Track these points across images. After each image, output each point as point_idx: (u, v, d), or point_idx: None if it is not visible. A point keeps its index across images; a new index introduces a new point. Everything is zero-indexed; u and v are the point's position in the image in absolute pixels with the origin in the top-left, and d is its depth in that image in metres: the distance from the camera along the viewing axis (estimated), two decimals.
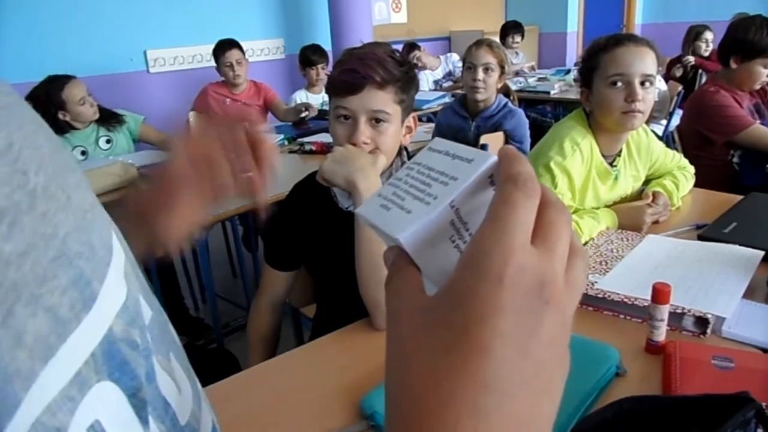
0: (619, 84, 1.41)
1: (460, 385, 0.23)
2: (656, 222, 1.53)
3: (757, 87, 2.36)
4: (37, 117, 0.18)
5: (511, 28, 5.29)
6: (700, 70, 4.63)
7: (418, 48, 4.77)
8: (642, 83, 1.40)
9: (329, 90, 1.20)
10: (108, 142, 2.76)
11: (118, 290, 0.21)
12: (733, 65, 2.33)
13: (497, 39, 4.78)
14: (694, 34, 4.73)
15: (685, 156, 1.80)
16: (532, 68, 5.35)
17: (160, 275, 2.58)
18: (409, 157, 1.30)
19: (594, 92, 1.48)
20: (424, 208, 0.28)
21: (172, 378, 0.23)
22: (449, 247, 0.29)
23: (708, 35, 4.69)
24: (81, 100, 2.60)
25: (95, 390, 0.19)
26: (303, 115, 3.29)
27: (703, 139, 2.41)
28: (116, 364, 0.20)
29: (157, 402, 0.22)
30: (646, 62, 1.41)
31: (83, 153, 2.68)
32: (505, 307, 0.24)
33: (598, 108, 1.48)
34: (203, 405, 0.27)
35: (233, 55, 3.34)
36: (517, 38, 5.24)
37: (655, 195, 1.56)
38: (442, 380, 0.24)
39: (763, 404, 0.70)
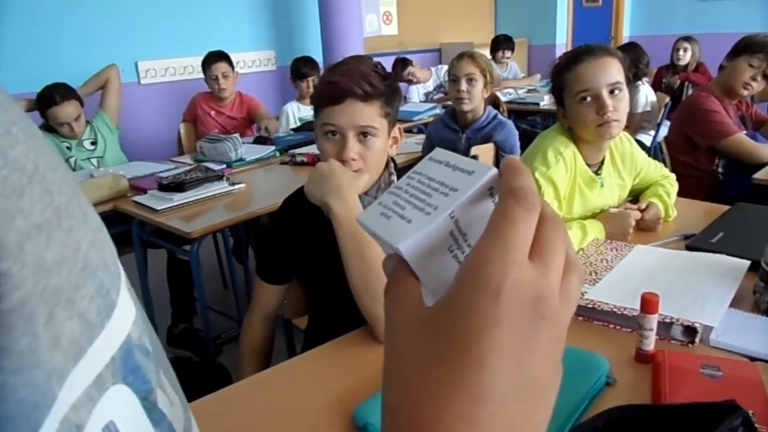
0: (588, 99, 1.43)
1: (456, 395, 0.24)
2: (641, 231, 1.55)
3: (744, 91, 2.41)
4: (44, 137, 0.20)
5: (501, 43, 5.32)
6: (686, 83, 4.70)
7: (411, 63, 4.78)
8: (611, 92, 1.42)
9: (314, 103, 1.22)
10: (93, 143, 2.90)
11: (130, 302, 0.23)
12: (724, 63, 2.43)
13: (488, 53, 4.84)
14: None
15: (672, 164, 1.83)
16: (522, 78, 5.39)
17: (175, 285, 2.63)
18: (397, 169, 1.31)
19: (567, 109, 1.50)
20: (425, 218, 0.28)
21: (164, 392, 0.24)
22: (448, 257, 0.29)
23: (685, 45, 4.75)
24: (62, 125, 2.71)
25: (110, 392, 0.20)
26: (264, 134, 3.24)
27: (689, 143, 2.45)
28: (130, 368, 0.21)
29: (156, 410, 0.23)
30: (610, 72, 1.42)
31: (68, 148, 2.80)
32: (502, 320, 0.24)
33: (574, 123, 1.50)
34: (193, 424, 0.27)
35: (219, 68, 3.32)
36: (507, 53, 5.29)
37: (648, 206, 1.58)
38: (439, 390, 0.24)
39: (750, 412, 0.71)
